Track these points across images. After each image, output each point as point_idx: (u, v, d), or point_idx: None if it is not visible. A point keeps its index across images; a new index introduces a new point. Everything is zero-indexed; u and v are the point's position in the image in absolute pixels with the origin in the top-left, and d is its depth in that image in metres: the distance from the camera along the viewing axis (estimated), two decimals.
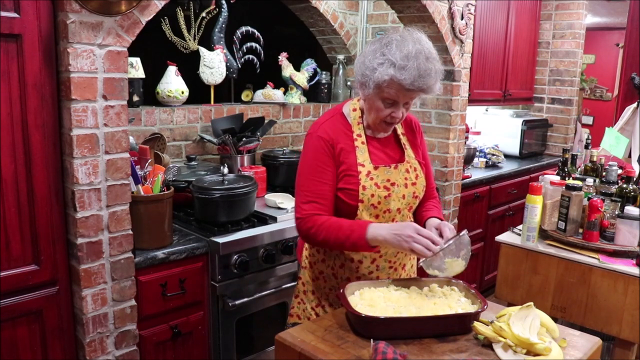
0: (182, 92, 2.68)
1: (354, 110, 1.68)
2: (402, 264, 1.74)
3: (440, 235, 1.56)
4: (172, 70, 2.68)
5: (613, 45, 7.39)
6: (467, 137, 3.58)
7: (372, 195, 1.61)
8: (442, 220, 1.67)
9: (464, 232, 1.55)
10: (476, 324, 1.36)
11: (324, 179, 1.60)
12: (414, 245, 1.45)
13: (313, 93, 3.44)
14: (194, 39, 2.79)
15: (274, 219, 2.36)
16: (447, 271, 1.53)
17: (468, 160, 3.67)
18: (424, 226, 1.67)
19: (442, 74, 1.55)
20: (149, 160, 2.05)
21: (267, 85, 3.15)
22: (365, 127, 1.67)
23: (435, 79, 1.52)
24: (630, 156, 3.51)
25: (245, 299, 2.18)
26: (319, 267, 1.72)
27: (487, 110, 4.80)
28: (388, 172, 1.65)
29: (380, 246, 1.55)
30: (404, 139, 1.74)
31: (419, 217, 1.77)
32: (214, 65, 2.82)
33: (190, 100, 2.76)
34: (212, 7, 2.80)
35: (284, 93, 3.23)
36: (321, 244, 1.60)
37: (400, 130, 1.74)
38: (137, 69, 2.50)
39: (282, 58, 3.24)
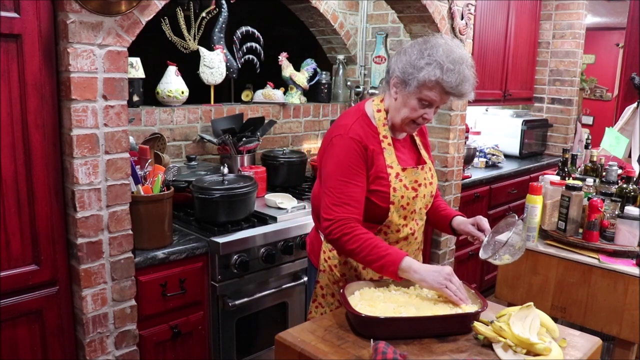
0: (182, 92, 2.68)
1: (379, 111, 1.67)
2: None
3: (479, 229, 1.66)
4: (172, 70, 2.68)
5: (613, 45, 7.38)
6: (467, 137, 3.58)
7: (402, 197, 1.63)
8: (463, 216, 1.77)
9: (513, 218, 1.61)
10: (476, 324, 1.36)
11: (356, 181, 1.58)
12: (449, 285, 1.46)
13: (313, 93, 3.43)
14: (194, 39, 2.79)
15: (274, 219, 2.36)
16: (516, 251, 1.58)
17: (468, 160, 3.67)
18: (449, 224, 1.78)
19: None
20: (149, 160, 2.05)
21: (267, 85, 3.15)
22: (389, 127, 1.68)
23: (473, 87, 1.57)
24: (630, 156, 3.51)
25: (245, 299, 2.18)
26: (341, 270, 1.72)
27: (487, 110, 4.80)
28: (415, 173, 1.68)
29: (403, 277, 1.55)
30: (417, 140, 1.79)
31: (439, 215, 1.82)
32: (214, 65, 2.82)
33: (190, 100, 2.76)
34: (212, 7, 2.80)
35: (284, 93, 3.23)
36: (346, 252, 1.58)
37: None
38: (137, 69, 2.50)
39: (282, 58, 3.23)
